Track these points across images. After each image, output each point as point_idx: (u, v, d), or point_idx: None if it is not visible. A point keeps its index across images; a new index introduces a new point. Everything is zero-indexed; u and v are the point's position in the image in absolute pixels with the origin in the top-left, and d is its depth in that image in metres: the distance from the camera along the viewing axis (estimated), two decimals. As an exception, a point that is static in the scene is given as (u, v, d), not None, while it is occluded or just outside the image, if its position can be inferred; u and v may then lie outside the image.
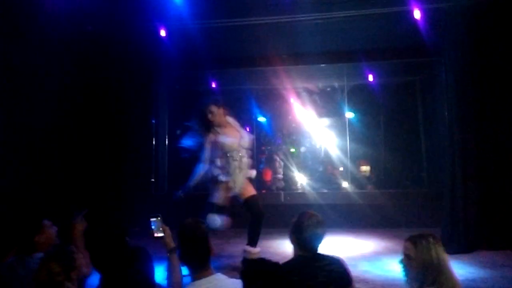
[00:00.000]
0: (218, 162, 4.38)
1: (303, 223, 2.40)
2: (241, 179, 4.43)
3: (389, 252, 5.20)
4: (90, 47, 6.08)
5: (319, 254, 2.45)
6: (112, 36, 6.06)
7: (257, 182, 8.65)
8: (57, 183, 5.97)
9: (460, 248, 5.26)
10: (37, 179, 5.47)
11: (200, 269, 2.12)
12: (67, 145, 6.11)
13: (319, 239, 2.42)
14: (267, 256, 4.93)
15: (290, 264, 2.42)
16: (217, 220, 4.18)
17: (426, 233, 2.10)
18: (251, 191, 4.55)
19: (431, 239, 2.06)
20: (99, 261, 2.11)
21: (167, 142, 8.02)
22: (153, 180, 7.45)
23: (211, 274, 2.13)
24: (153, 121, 7.64)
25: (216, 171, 4.37)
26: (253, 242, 4.48)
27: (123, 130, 6.37)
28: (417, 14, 5.55)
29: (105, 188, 6.17)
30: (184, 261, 2.16)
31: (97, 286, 2.16)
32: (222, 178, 4.33)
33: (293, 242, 2.46)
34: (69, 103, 6.10)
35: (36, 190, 5.26)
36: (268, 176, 8.75)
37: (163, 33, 5.97)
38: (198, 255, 2.12)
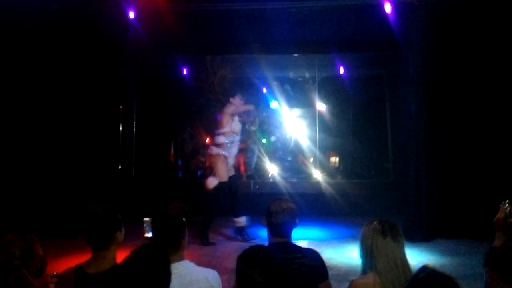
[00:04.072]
0: None
1: (273, 209, 2.38)
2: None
3: (353, 240, 5.32)
4: (54, 26, 5.80)
5: (294, 245, 2.39)
6: (79, 16, 5.80)
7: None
8: (16, 170, 5.74)
9: (422, 236, 5.45)
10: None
11: (169, 254, 2.09)
12: (27, 131, 5.85)
13: (289, 225, 2.37)
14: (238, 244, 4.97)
15: None
16: None
17: (379, 219, 2.04)
18: None
19: (375, 225, 2.00)
20: None
21: (134, 128, 7.84)
22: (120, 167, 7.27)
23: (179, 260, 2.10)
24: (121, 107, 7.42)
25: None
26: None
27: (88, 115, 6.15)
28: (387, 7, 5.61)
29: (69, 175, 5.96)
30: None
31: None
32: None
33: (267, 228, 2.43)
34: (29, 86, 5.83)
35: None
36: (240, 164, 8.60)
37: (132, 15, 5.79)
38: (168, 239, 2.09)
